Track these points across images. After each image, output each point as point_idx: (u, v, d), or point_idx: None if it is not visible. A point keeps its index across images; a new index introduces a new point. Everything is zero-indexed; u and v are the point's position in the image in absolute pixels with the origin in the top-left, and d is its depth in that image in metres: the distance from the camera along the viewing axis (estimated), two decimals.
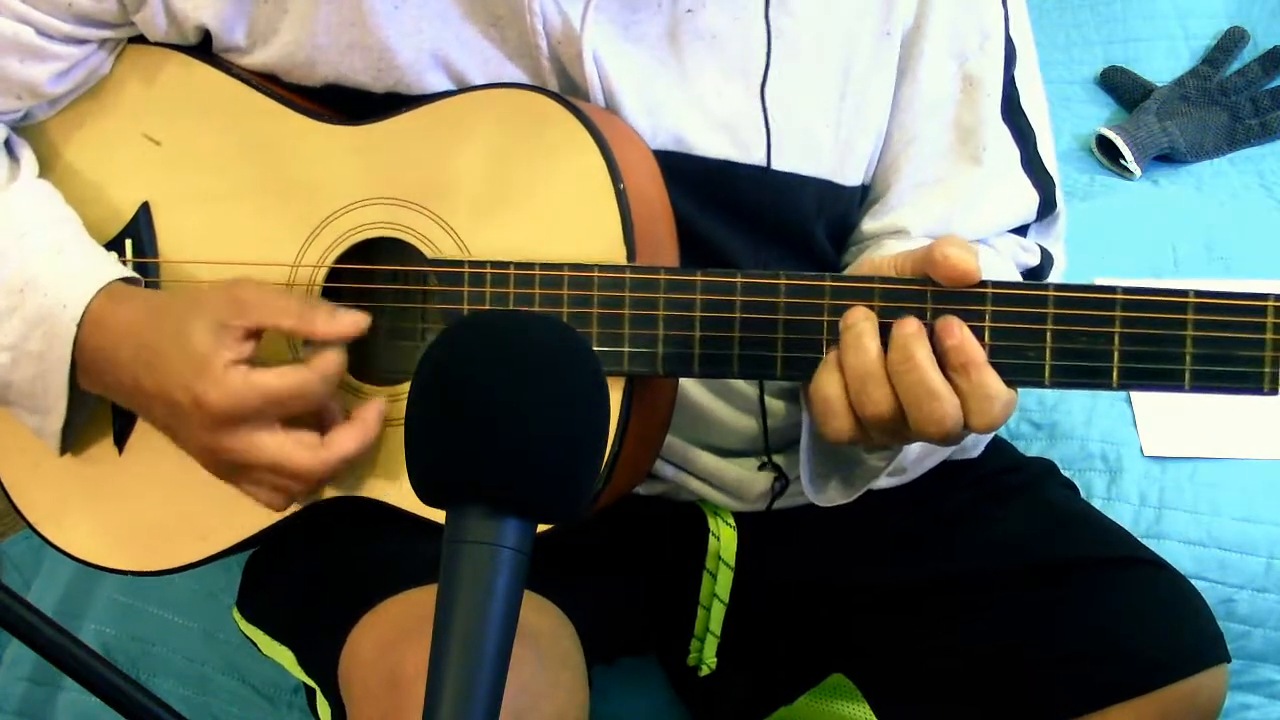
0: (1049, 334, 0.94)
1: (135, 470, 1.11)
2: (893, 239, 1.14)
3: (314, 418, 1.03)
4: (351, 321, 1.01)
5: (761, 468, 1.16)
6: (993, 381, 0.92)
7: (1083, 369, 0.94)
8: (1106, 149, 1.96)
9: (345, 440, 1.01)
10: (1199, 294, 0.93)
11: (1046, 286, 0.94)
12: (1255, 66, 2.03)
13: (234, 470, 1.02)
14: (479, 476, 0.66)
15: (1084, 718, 1.06)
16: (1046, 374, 0.94)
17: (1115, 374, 0.93)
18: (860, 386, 0.93)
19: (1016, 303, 0.94)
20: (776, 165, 1.08)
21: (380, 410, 1.02)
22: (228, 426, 0.99)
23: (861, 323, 0.94)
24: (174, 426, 1.03)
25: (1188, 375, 0.93)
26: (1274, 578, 1.50)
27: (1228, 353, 0.92)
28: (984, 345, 0.93)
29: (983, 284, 0.94)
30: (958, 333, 0.92)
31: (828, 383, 0.95)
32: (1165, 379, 0.93)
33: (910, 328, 0.93)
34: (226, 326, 0.99)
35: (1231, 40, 2.04)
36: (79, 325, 1.02)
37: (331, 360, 1.01)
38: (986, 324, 0.94)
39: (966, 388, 0.92)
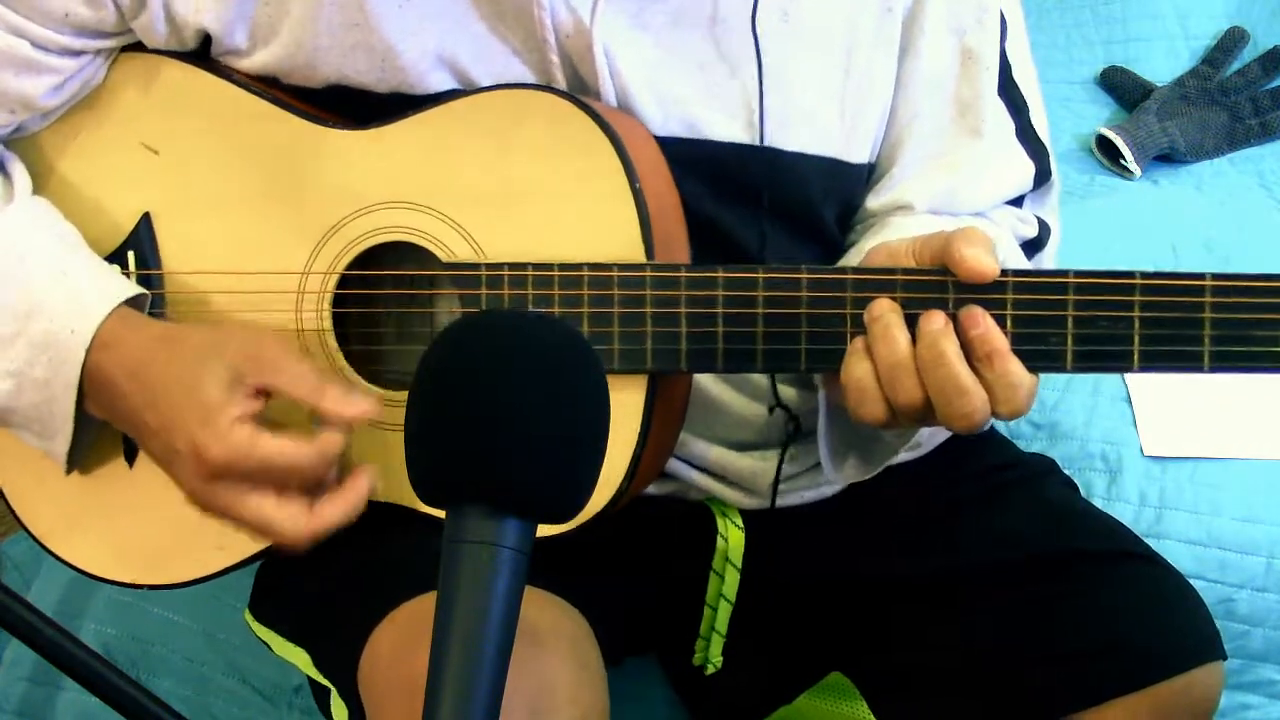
0: (1070, 320, 0.94)
1: (147, 484, 1.09)
2: (898, 216, 1.15)
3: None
4: (363, 409, 0.99)
5: (771, 411, 1.15)
6: (1017, 370, 0.93)
7: (1103, 353, 0.95)
8: (1106, 149, 1.96)
9: (331, 513, 1.00)
10: (1216, 276, 0.94)
11: (1066, 274, 0.95)
12: (1255, 66, 2.03)
13: (219, 518, 1.00)
14: (478, 476, 0.66)
15: (1080, 714, 1.06)
16: (1068, 359, 0.95)
17: (1136, 356, 0.94)
18: (891, 375, 0.94)
19: (1037, 290, 0.94)
20: (785, 145, 1.09)
21: (371, 480, 1.01)
22: (220, 480, 0.97)
23: (888, 314, 0.95)
24: (167, 464, 1.01)
25: (1207, 356, 0.94)
26: (1274, 577, 1.50)
27: (1245, 333, 0.94)
28: (1006, 333, 0.94)
29: (1003, 273, 0.94)
30: (982, 322, 0.93)
31: (859, 369, 0.95)
32: (1185, 360, 0.94)
33: (937, 323, 0.93)
34: (241, 380, 0.97)
35: (1231, 40, 2.04)
36: (87, 351, 1.01)
37: (334, 443, 0.99)
38: (1008, 312, 0.95)
39: (991, 377, 0.93)
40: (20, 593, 0.90)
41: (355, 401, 1.00)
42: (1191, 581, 1.14)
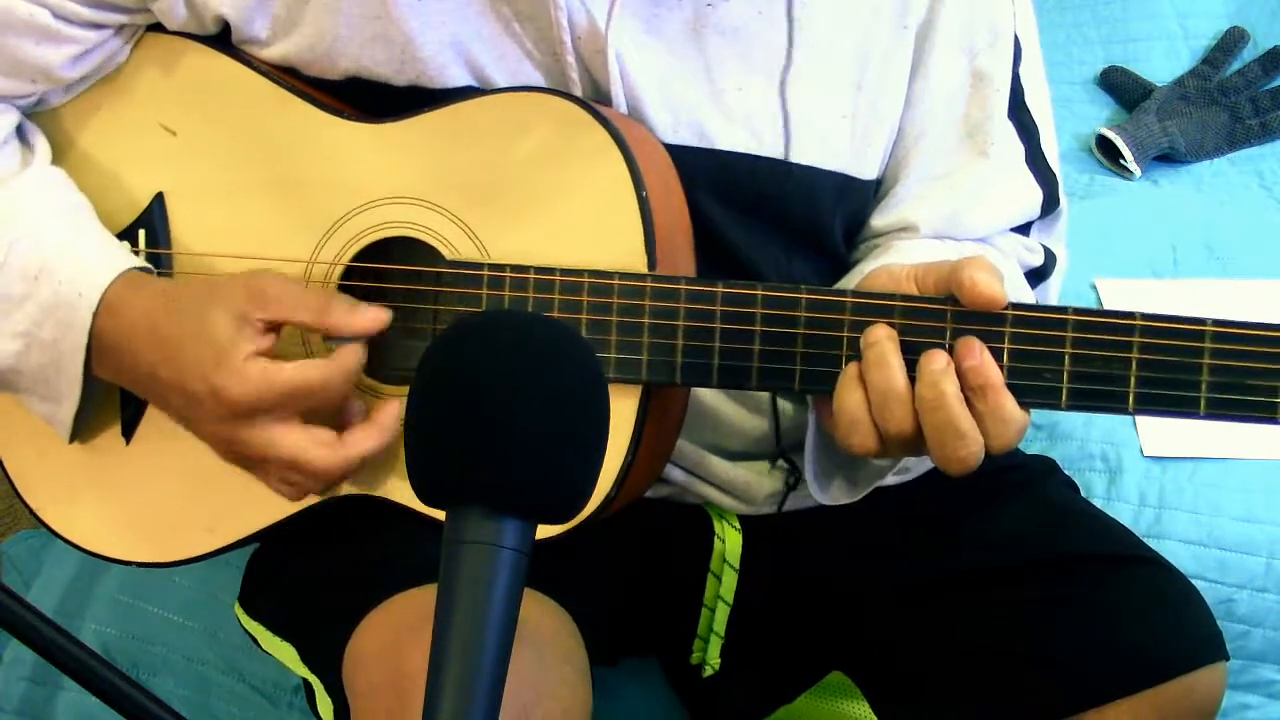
0: (1067, 357, 0.94)
1: (143, 460, 1.10)
2: (902, 238, 1.14)
3: (333, 414, 1.03)
4: (372, 317, 1.01)
5: (774, 465, 1.15)
6: (1009, 405, 0.93)
7: (1098, 393, 0.94)
8: (1106, 149, 1.96)
9: (362, 440, 1.01)
10: (1217, 323, 0.93)
11: (1066, 310, 0.95)
12: (1255, 66, 2.03)
13: (248, 462, 1.02)
14: (478, 476, 0.66)
15: (1082, 715, 1.06)
16: (1063, 397, 0.94)
17: (1131, 399, 0.94)
18: (883, 403, 0.94)
19: (1036, 325, 0.94)
20: (796, 159, 1.09)
21: (398, 412, 1.02)
22: (245, 419, 0.99)
23: (884, 341, 0.94)
24: (190, 416, 1.02)
25: (1202, 403, 0.93)
26: (1274, 578, 1.50)
27: (1243, 382, 0.93)
28: (1002, 366, 0.94)
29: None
30: (978, 355, 0.93)
31: (851, 398, 0.95)
32: (1180, 405, 0.94)
33: (939, 363, 0.93)
34: (247, 318, 0.98)
35: (1231, 40, 2.04)
36: (95, 313, 1.02)
37: (352, 356, 1.01)
38: (1006, 345, 0.94)
39: (983, 409, 0.93)
40: (20, 593, 0.90)
41: (364, 312, 1.01)
42: (1192, 581, 1.14)
